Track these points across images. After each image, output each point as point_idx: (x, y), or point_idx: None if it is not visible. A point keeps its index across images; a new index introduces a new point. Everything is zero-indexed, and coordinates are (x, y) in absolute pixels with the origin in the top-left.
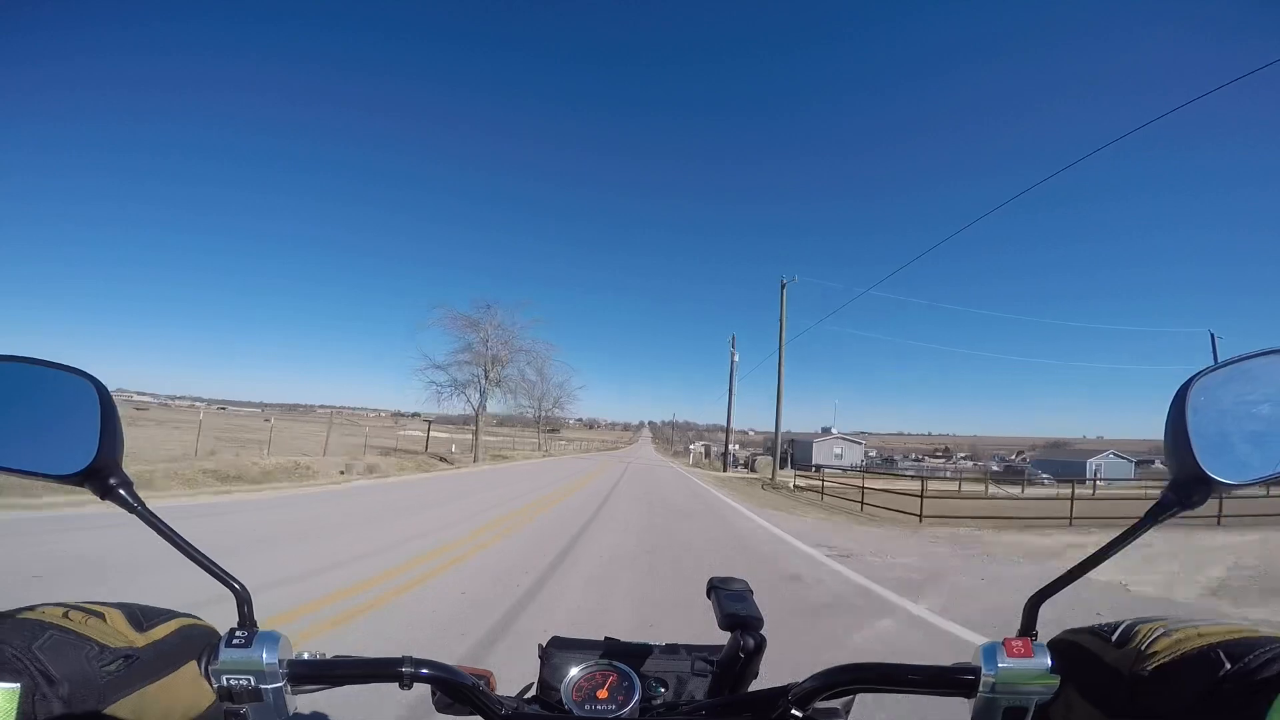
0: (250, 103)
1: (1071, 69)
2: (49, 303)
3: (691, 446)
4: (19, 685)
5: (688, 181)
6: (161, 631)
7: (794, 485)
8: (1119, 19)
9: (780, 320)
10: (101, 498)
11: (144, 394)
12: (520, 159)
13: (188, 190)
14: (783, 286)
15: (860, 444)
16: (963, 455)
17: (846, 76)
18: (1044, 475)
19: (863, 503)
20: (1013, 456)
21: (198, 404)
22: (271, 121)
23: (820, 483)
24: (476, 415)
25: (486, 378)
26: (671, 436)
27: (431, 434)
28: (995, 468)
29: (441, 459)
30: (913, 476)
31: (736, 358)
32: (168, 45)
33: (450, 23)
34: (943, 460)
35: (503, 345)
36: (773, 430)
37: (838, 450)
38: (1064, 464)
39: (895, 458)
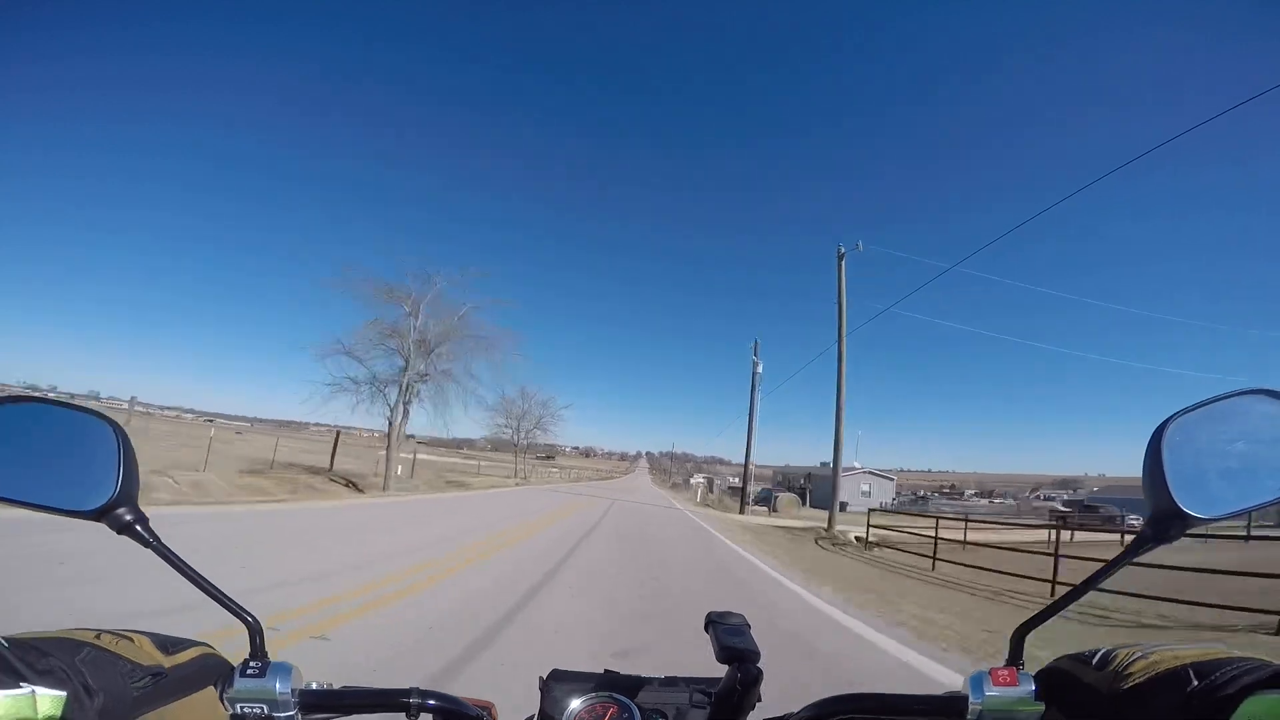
0: (253, 108)
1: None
2: (55, 304)
3: (694, 480)
4: (65, 693)
5: (691, 211)
6: (184, 657)
7: (861, 540)
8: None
9: (839, 301)
10: (118, 533)
11: (126, 401)
12: (513, 180)
13: (196, 198)
14: (840, 257)
15: (891, 479)
16: (972, 492)
17: (841, 99)
18: (1131, 515)
19: (1054, 582)
20: (1027, 494)
21: (184, 415)
22: (276, 129)
23: (928, 540)
24: (391, 426)
25: (407, 369)
26: (669, 467)
27: (378, 451)
28: (1061, 506)
29: (349, 483)
30: (978, 521)
31: (760, 368)
32: (163, 45)
33: (453, 28)
34: (957, 498)
35: (437, 326)
36: (778, 465)
37: (865, 486)
38: (1135, 502)
39: (926, 495)
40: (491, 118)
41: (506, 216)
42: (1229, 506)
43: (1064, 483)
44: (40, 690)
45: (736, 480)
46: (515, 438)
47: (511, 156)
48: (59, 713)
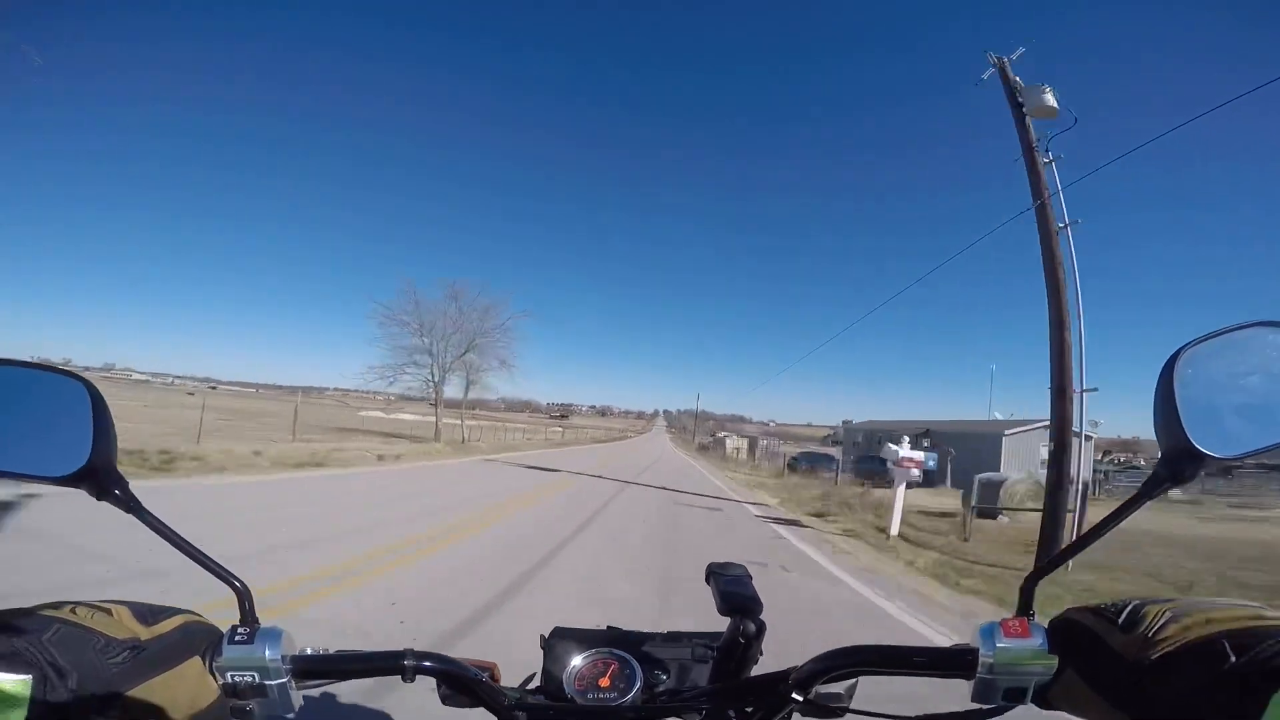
0: (240, 87)
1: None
2: (63, 280)
3: (728, 439)
4: (30, 676)
5: (712, 177)
6: (166, 626)
7: None
8: None
9: None
10: (97, 498)
11: (142, 372)
12: (523, 149)
13: (204, 175)
14: None
15: (1089, 438)
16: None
17: (858, 84)
18: None
19: None
20: (1099, 458)
21: (184, 381)
22: (265, 104)
23: None
24: None
25: None
26: (689, 425)
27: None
28: None
29: None
30: None
31: (1049, 98)
32: (157, 33)
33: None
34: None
35: None
36: (809, 423)
37: (1047, 451)
38: None
39: (1130, 461)
40: (490, 88)
41: (511, 182)
42: (1245, 446)
43: (1124, 446)
44: (0, 675)
45: (779, 445)
46: (436, 370)
47: (517, 127)
48: (26, 697)
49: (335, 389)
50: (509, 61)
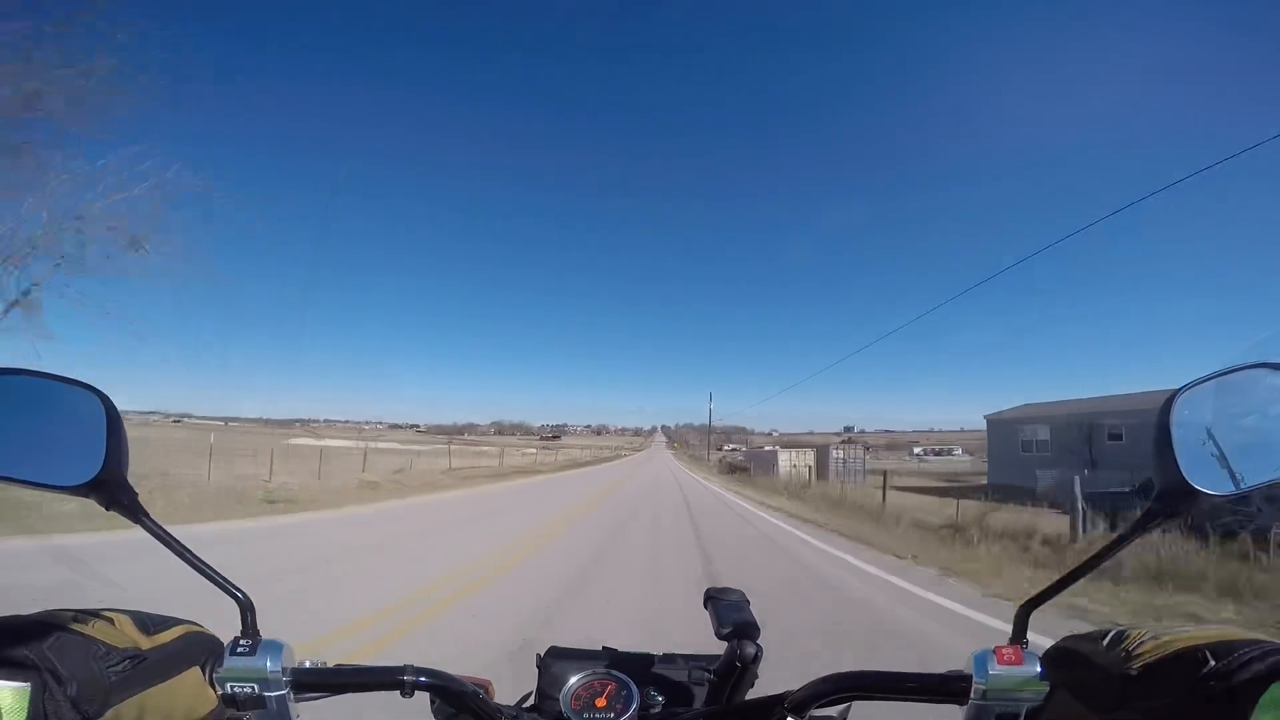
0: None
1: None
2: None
3: (780, 454)
4: (29, 684)
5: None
6: (167, 636)
7: None
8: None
9: None
10: (106, 509)
11: (127, 412)
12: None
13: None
14: None
15: None
16: None
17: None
18: None
19: None
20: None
21: (149, 415)
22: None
23: None
24: None
25: None
26: (691, 440)
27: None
28: None
29: None
30: None
31: None
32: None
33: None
34: None
35: None
36: (810, 431)
37: None
38: None
39: None
40: (483, 107)
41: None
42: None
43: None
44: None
45: (862, 454)
46: None
47: (511, 142)
48: (25, 703)
49: (346, 421)
50: (497, 69)
